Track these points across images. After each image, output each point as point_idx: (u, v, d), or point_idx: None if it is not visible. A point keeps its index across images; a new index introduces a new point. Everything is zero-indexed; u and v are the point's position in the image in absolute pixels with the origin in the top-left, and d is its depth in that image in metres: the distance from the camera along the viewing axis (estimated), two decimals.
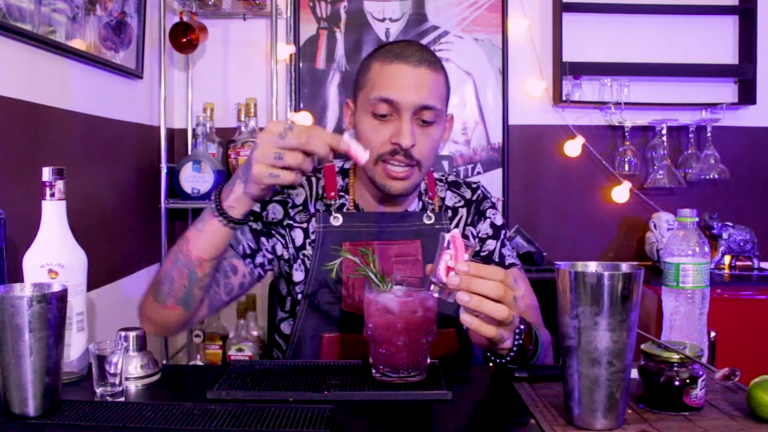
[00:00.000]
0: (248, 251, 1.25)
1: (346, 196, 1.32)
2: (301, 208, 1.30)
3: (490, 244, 1.35)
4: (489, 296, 0.91)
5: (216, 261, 1.12)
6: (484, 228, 1.36)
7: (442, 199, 1.37)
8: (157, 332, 1.22)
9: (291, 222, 1.29)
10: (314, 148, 0.97)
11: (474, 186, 1.41)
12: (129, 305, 2.10)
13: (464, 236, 1.34)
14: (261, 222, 1.28)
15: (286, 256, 1.30)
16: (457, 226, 1.35)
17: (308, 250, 1.29)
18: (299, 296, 1.29)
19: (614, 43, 2.47)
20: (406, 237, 1.29)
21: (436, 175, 1.41)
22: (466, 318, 0.92)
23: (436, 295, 0.96)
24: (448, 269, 0.93)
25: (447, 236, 0.94)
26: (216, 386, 0.97)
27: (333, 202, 1.30)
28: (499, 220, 1.38)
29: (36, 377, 0.85)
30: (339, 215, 1.28)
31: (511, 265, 1.34)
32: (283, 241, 1.30)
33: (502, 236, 1.36)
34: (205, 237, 1.08)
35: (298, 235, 1.29)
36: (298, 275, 1.29)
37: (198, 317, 1.19)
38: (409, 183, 1.24)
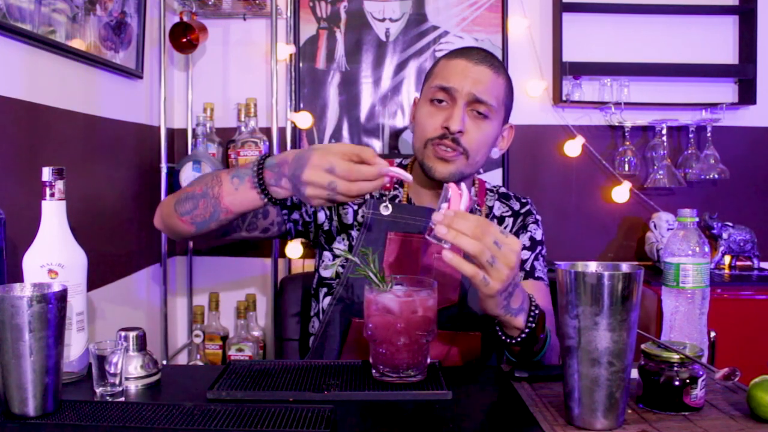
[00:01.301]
0: (288, 203, 1.31)
1: (400, 189, 1.37)
2: None
3: (524, 254, 1.38)
4: (466, 234, 0.94)
5: (240, 217, 1.17)
6: (524, 239, 1.40)
7: (490, 208, 1.42)
8: (164, 231, 1.28)
9: None
10: (363, 190, 1.01)
11: (523, 201, 1.46)
12: (129, 305, 2.10)
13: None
14: None
15: (327, 227, 1.34)
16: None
17: (354, 232, 1.33)
18: (340, 269, 1.33)
19: (614, 43, 2.47)
20: None
21: (487, 186, 1.46)
22: (447, 254, 0.95)
23: (433, 240, 0.99)
24: None
25: (447, 187, 1.01)
26: (216, 386, 0.97)
27: (387, 193, 1.35)
28: (538, 236, 1.42)
29: (36, 377, 0.85)
30: (389, 205, 1.32)
31: (539, 278, 1.36)
32: (327, 212, 1.35)
33: (537, 250, 1.40)
34: (240, 197, 1.12)
35: (348, 214, 1.34)
36: (342, 246, 1.34)
37: (208, 236, 1.23)
38: (453, 167, 1.27)
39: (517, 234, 1.40)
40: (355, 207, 1.34)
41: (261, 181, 1.09)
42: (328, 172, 1.00)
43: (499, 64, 1.31)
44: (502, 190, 1.47)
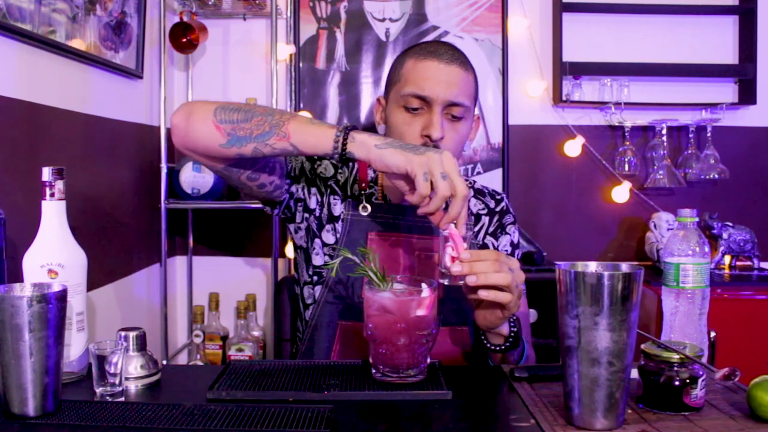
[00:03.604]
0: (293, 174, 1.31)
1: (375, 187, 1.36)
2: (341, 184, 1.34)
3: None
4: (490, 271, 1.02)
5: (290, 151, 1.10)
6: (503, 243, 1.39)
7: None
8: (181, 132, 1.15)
9: (335, 187, 1.34)
10: (455, 211, 1.01)
11: (498, 198, 1.44)
12: (129, 305, 2.10)
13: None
14: (312, 168, 1.33)
15: (318, 214, 1.33)
16: (478, 232, 1.39)
17: (339, 225, 1.32)
18: (327, 258, 1.32)
19: (614, 43, 2.47)
20: (431, 233, 1.30)
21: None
22: (483, 293, 1.03)
23: (446, 282, 1.05)
24: (453, 259, 1.04)
25: (445, 232, 1.04)
26: (216, 386, 0.97)
27: (362, 192, 1.33)
28: (516, 238, 1.42)
29: (36, 377, 0.85)
30: (368, 205, 1.31)
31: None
32: (318, 198, 1.34)
33: (516, 257, 1.39)
34: (311, 130, 1.07)
35: (336, 206, 1.33)
36: (329, 237, 1.32)
37: (223, 159, 1.14)
38: None
39: (495, 234, 1.39)
40: (340, 201, 1.33)
41: (349, 128, 1.05)
42: (432, 170, 1.00)
43: (465, 58, 1.28)
44: (478, 185, 1.45)
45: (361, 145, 1.04)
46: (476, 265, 1.02)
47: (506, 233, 1.40)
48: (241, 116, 1.09)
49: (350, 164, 1.35)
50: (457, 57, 1.26)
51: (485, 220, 1.40)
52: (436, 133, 1.22)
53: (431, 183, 1.01)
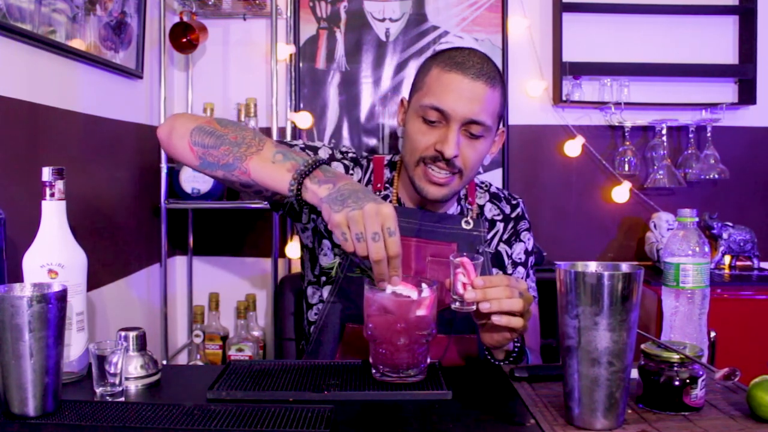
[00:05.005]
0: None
1: (390, 189, 1.34)
2: None
3: (519, 271, 1.37)
4: (503, 297, 1.02)
5: (254, 186, 1.09)
6: (518, 251, 1.38)
7: (481, 207, 1.38)
8: (164, 145, 1.17)
9: None
10: (377, 271, 0.97)
11: (514, 203, 1.42)
12: (129, 305, 2.10)
13: (479, 253, 1.35)
14: None
15: None
16: (492, 238, 1.37)
17: None
18: (337, 258, 1.30)
19: (614, 43, 2.47)
20: (443, 239, 1.29)
21: (476, 181, 1.41)
22: (496, 318, 1.03)
23: (456, 307, 1.05)
24: (464, 286, 1.04)
25: (456, 261, 1.04)
26: (216, 386, 0.97)
27: (378, 194, 1.31)
28: (530, 245, 1.41)
29: (36, 377, 0.85)
30: None
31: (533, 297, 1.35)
32: None
33: (529, 264, 1.39)
34: (268, 171, 1.05)
35: None
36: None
37: (204, 172, 1.16)
38: (447, 190, 1.25)
39: (509, 241, 1.38)
40: None
41: (305, 172, 1.02)
42: (380, 226, 0.95)
43: (494, 72, 1.22)
44: (493, 189, 1.42)
45: (313, 195, 1.02)
46: (489, 291, 1.02)
47: (520, 240, 1.38)
48: (212, 141, 1.09)
49: (364, 165, 1.35)
50: (485, 72, 1.20)
51: (500, 226, 1.38)
52: (450, 150, 1.18)
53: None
